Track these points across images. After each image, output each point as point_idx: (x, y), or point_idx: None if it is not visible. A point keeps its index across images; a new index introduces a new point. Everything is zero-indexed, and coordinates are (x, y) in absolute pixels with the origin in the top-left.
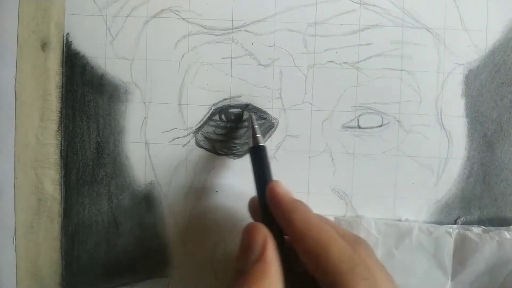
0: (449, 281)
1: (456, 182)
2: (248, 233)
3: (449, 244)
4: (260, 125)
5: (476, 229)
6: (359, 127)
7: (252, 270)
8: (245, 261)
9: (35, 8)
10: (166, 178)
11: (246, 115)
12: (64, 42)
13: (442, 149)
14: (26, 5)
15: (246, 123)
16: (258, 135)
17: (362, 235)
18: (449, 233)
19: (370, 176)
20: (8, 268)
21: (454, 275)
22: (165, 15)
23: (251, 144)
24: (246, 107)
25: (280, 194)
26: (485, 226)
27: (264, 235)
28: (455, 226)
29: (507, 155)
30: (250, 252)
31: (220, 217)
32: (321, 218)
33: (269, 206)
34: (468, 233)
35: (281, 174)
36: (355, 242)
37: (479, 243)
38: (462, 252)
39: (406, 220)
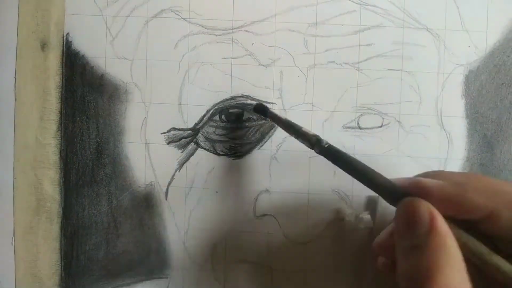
0: None
1: None
2: (409, 207)
3: None
4: (261, 126)
5: None
6: (360, 128)
7: (428, 242)
8: (413, 235)
9: (35, 8)
10: (166, 178)
11: (246, 115)
12: (64, 42)
13: (442, 150)
14: (26, 5)
15: (247, 124)
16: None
17: None
18: None
19: None
20: (7, 269)
21: None
22: (165, 15)
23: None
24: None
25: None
26: None
27: (428, 207)
28: None
29: (506, 156)
30: (417, 226)
31: (220, 217)
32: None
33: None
34: None
35: (282, 174)
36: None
37: None
38: None
39: None
